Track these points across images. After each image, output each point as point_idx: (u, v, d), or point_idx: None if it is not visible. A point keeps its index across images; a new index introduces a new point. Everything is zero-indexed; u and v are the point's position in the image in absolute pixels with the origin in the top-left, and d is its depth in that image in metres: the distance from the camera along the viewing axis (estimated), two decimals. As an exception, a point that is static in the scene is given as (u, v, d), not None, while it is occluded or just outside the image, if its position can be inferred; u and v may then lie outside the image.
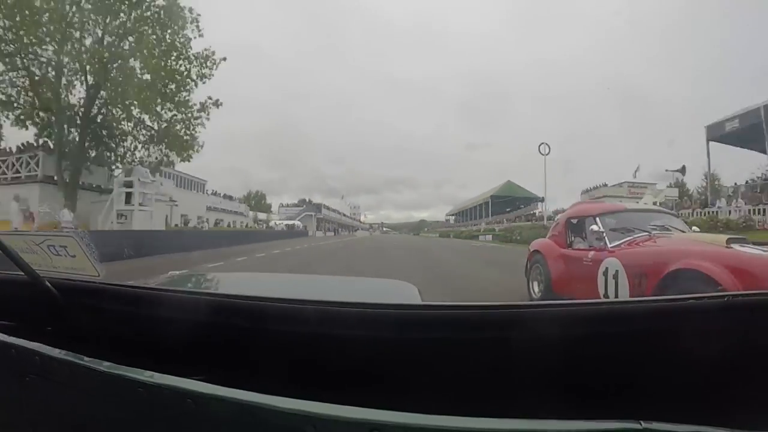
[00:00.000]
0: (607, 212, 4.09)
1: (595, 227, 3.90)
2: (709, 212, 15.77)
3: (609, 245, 3.70)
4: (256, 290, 1.11)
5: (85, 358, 0.58)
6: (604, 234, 3.79)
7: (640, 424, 0.40)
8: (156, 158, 16.81)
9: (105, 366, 0.56)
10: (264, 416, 0.45)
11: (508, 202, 46.64)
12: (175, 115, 16.12)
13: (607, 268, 3.52)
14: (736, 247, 3.00)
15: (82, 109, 15.10)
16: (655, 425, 0.40)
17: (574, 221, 4.37)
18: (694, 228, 4.55)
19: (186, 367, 0.56)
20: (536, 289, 4.71)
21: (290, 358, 0.60)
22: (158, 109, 15.67)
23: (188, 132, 16.34)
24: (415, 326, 0.55)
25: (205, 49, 15.98)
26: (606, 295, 3.53)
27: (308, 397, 0.45)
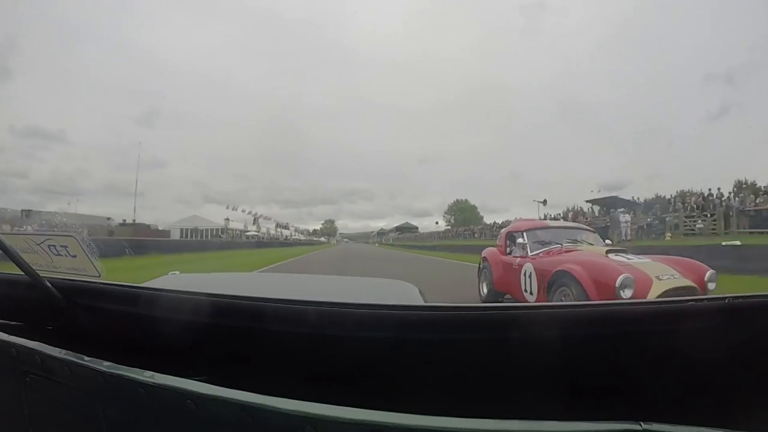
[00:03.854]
0: (532, 228, 5.36)
1: (521, 240, 5.21)
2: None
3: (530, 254, 4.95)
4: (256, 291, 1.11)
5: (86, 358, 0.58)
6: (527, 245, 5.07)
7: (640, 425, 0.40)
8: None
9: (105, 366, 0.56)
10: (264, 417, 0.45)
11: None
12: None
13: (525, 271, 4.75)
14: (612, 256, 4.24)
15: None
16: (655, 426, 0.40)
17: (511, 235, 5.57)
18: (607, 241, 5.87)
19: (186, 367, 0.56)
20: (484, 289, 5.84)
21: (291, 358, 0.60)
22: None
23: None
24: (415, 327, 0.55)
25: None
26: (526, 291, 4.72)
27: (308, 398, 0.45)
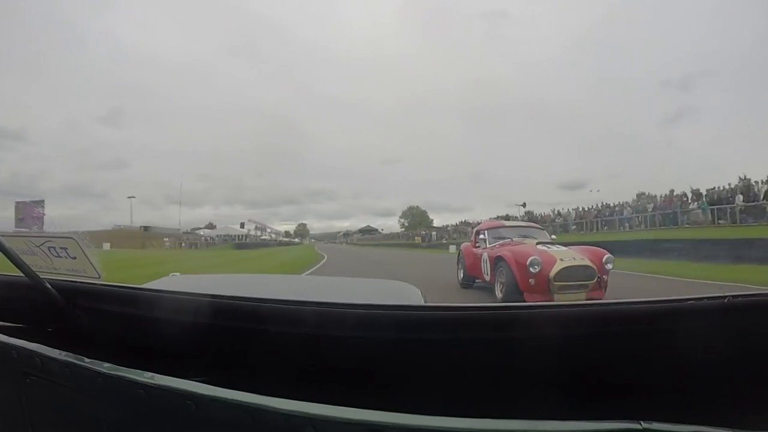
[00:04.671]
0: (492, 227, 7.45)
1: (482, 236, 7.22)
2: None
3: (487, 246, 6.79)
4: (256, 292, 1.11)
5: (86, 360, 0.58)
6: (487, 240, 6.99)
7: (640, 424, 0.40)
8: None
9: (105, 367, 0.56)
10: (264, 417, 0.45)
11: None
12: None
13: (483, 258, 6.63)
14: (539, 246, 5.98)
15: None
16: (655, 425, 0.40)
17: (478, 232, 7.59)
18: (552, 236, 7.68)
19: (186, 368, 0.56)
20: (460, 274, 7.67)
21: (291, 359, 0.60)
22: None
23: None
24: (415, 327, 0.55)
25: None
26: (485, 273, 6.51)
27: (308, 398, 0.45)
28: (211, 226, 54.61)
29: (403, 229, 56.56)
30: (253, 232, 52.54)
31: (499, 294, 5.85)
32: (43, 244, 0.75)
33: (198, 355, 0.64)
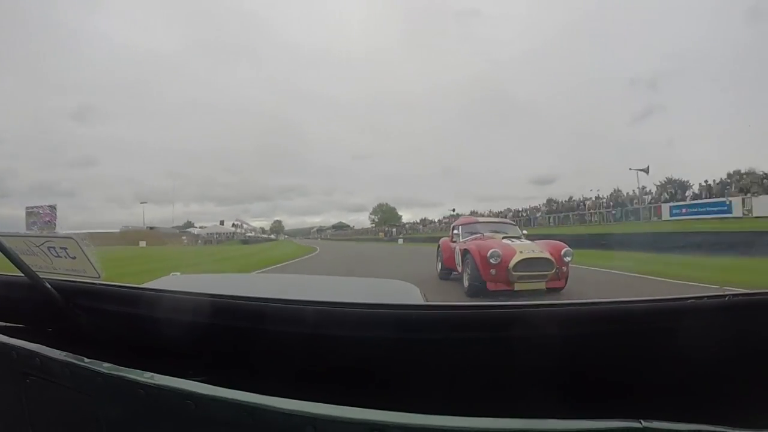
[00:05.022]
0: (465, 223, 8.11)
1: (456, 231, 7.79)
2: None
3: (461, 241, 7.22)
4: (256, 291, 1.11)
5: (86, 360, 0.58)
6: (460, 235, 7.53)
7: (640, 423, 0.40)
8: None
9: (105, 367, 0.56)
10: (264, 417, 0.45)
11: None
12: None
13: (456, 251, 7.06)
14: (504, 240, 6.55)
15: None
16: (655, 424, 0.40)
17: (454, 228, 8.14)
18: (524, 231, 7.89)
19: (186, 368, 0.56)
20: (439, 266, 8.19)
21: (291, 358, 0.60)
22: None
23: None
24: (415, 326, 0.55)
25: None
26: (457, 264, 6.92)
27: (309, 398, 0.45)
28: (189, 225, 57.76)
29: (373, 225, 61.04)
30: (240, 230, 55.82)
31: (465, 283, 6.41)
32: (42, 244, 0.75)
33: (198, 355, 0.64)
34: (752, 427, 0.44)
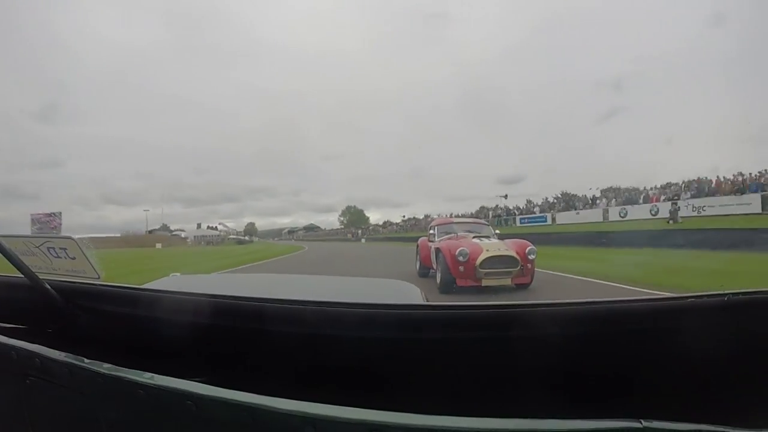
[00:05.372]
0: (441, 224, 8.64)
1: (432, 231, 8.27)
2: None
3: (436, 240, 7.67)
4: (256, 291, 1.11)
5: (86, 360, 0.58)
6: (435, 235, 7.98)
7: (640, 423, 0.40)
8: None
9: (105, 368, 0.56)
10: (264, 417, 0.45)
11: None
12: None
13: (432, 250, 7.39)
14: (474, 239, 7.08)
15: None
16: (655, 424, 0.40)
17: (431, 228, 8.58)
18: (496, 231, 8.39)
19: (186, 368, 0.56)
20: (417, 265, 8.73)
21: (291, 358, 0.60)
22: None
23: None
24: (415, 326, 0.55)
25: None
26: (432, 262, 7.30)
27: (308, 398, 0.45)
28: (166, 228, 60.48)
29: (342, 227, 65.96)
30: (223, 233, 60.38)
31: (437, 279, 6.85)
32: (42, 245, 0.75)
33: (198, 356, 0.64)
34: (752, 427, 0.44)
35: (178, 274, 1.80)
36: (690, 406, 0.47)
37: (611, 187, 27.98)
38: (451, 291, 6.28)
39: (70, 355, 0.60)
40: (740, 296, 0.47)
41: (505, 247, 6.57)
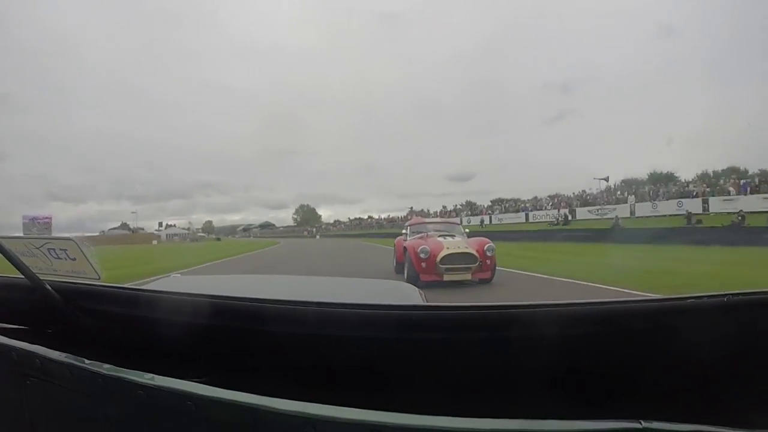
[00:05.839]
0: (414, 224, 9.28)
1: (405, 231, 8.91)
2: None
3: (408, 239, 8.15)
4: (256, 292, 1.11)
5: (86, 361, 0.58)
6: (408, 234, 8.55)
7: (640, 424, 0.40)
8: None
9: (105, 368, 0.56)
10: (264, 418, 0.45)
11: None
12: None
13: (403, 248, 7.82)
14: (439, 238, 7.48)
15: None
16: (655, 424, 0.40)
17: (405, 227, 9.21)
18: (466, 230, 8.95)
19: (186, 369, 0.56)
20: (393, 262, 8.97)
21: (290, 359, 0.60)
22: None
23: None
24: (415, 327, 0.55)
25: None
26: (403, 257, 7.81)
27: (308, 399, 0.45)
28: (125, 226, 62.00)
29: (295, 224, 71.83)
30: (191, 231, 62.89)
31: (405, 275, 7.33)
32: (42, 245, 0.75)
33: (198, 356, 0.64)
34: (752, 427, 0.44)
35: (179, 274, 1.80)
36: (690, 406, 0.47)
37: (536, 197, 36.43)
38: (417, 286, 6.53)
39: (71, 355, 0.60)
40: (740, 297, 0.47)
41: (465, 245, 7.02)
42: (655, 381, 0.50)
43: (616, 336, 0.51)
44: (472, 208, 40.66)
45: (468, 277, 6.78)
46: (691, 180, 27.77)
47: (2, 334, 0.68)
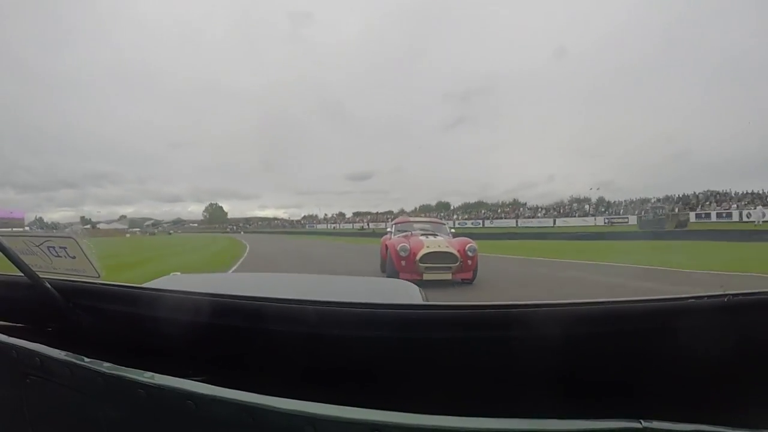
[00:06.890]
0: (399, 222, 9.11)
1: (389, 229, 8.79)
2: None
3: (392, 238, 8.00)
4: (256, 291, 1.10)
5: (86, 359, 0.58)
6: (393, 233, 8.38)
7: (640, 423, 0.40)
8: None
9: (105, 367, 0.56)
10: (264, 417, 0.45)
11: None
12: None
13: (386, 246, 7.76)
14: (421, 237, 7.48)
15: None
16: (655, 424, 0.40)
17: (390, 226, 9.07)
18: (451, 230, 8.81)
19: (186, 367, 0.56)
20: (380, 260, 8.81)
21: (291, 358, 0.60)
22: None
23: None
24: (416, 326, 0.55)
25: None
26: (386, 255, 7.60)
27: (309, 398, 0.45)
28: (86, 221, 63.57)
29: (205, 223, 77.37)
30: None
31: (386, 273, 7.38)
32: (42, 243, 0.74)
33: (198, 355, 0.64)
34: (752, 427, 0.45)
35: (179, 273, 1.80)
36: (690, 406, 0.47)
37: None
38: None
39: (71, 354, 0.60)
40: (740, 297, 0.47)
41: (446, 245, 6.98)
42: (655, 380, 0.50)
43: (616, 335, 0.51)
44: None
45: (448, 276, 6.72)
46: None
47: (2, 332, 0.68)
